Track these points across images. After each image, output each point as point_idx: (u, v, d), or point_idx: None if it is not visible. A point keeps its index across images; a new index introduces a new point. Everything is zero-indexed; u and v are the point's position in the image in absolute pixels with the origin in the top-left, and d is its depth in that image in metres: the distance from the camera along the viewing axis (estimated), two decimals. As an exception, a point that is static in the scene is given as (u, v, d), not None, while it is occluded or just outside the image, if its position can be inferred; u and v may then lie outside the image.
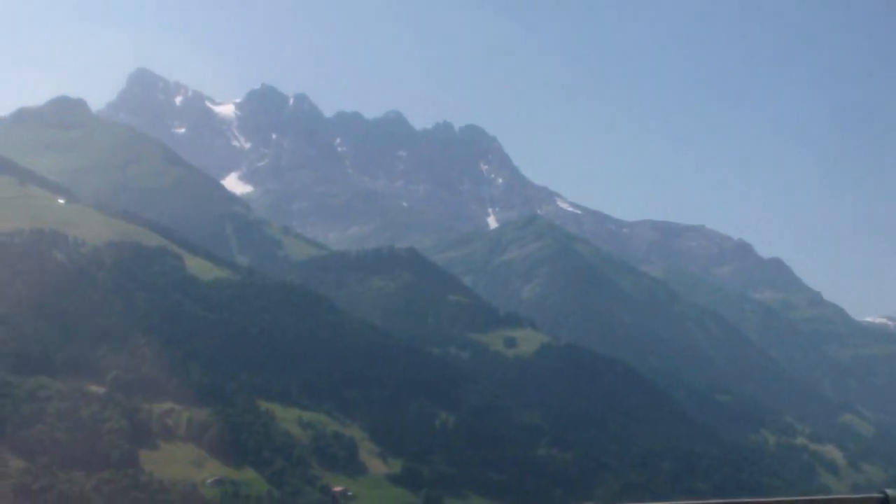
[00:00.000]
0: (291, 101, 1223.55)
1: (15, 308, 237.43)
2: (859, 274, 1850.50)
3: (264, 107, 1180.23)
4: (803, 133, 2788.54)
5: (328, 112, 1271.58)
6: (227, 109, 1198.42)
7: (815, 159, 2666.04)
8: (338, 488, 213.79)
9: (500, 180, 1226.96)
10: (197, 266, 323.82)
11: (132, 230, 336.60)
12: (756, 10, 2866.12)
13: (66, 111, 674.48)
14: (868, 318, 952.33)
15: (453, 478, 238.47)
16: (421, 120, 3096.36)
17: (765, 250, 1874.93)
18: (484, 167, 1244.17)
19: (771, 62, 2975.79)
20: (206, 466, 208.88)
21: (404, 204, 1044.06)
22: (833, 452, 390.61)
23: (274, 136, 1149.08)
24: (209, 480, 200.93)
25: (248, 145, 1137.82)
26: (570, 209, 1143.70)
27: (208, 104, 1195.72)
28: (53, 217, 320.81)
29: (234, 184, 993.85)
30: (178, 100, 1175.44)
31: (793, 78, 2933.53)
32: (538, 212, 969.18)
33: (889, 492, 12.11)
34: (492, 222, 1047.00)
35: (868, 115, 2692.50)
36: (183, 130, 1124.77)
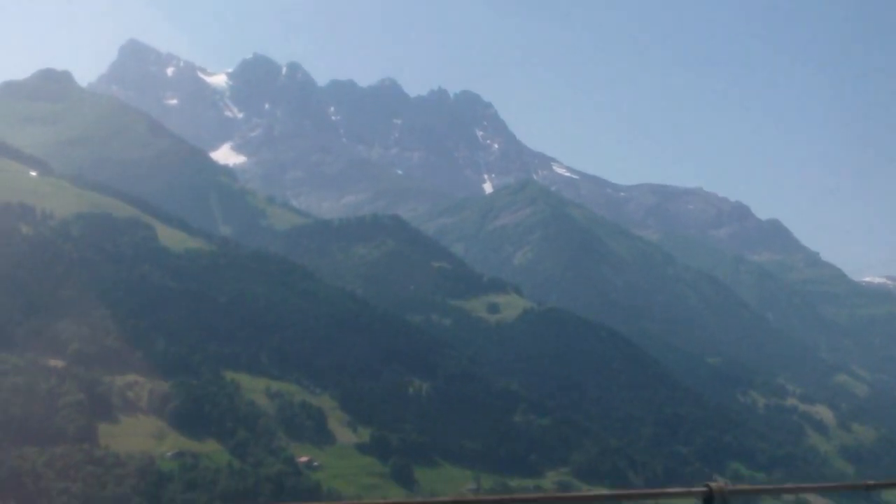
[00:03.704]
0: (284, 70, 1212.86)
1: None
2: (860, 234, 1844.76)
3: (257, 76, 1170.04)
4: (800, 93, 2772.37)
5: (322, 80, 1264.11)
6: (219, 80, 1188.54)
7: (814, 118, 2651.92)
8: (303, 458, 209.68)
9: (496, 146, 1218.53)
10: (170, 237, 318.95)
11: (105, 202, 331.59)
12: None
13: (51, 84, 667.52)
14: (867, 279, 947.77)
15: (425, 446, 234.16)
16: (415, 87, 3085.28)
17: (763, 212, 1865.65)
18: (479, 133, 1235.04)
19: (766, 20, 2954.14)
20: (167, 439, 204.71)
21: (399, 172, 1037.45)
22: (824, 413, 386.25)
23: (267, 105, 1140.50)
24: (169, 453, 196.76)
25: (240, 115, 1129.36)
26: (567, 174, 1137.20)
27: (200, 74, 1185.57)
28: (25, 190, 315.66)
29: (227, 154, 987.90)
30: (170, 71, 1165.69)
31: (790, 37, 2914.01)
32: (534, 177, 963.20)
33: (713, 485, 11.12)
34: (487, 188, 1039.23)
35: (868, 74, 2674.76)
36: (175, 101, 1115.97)
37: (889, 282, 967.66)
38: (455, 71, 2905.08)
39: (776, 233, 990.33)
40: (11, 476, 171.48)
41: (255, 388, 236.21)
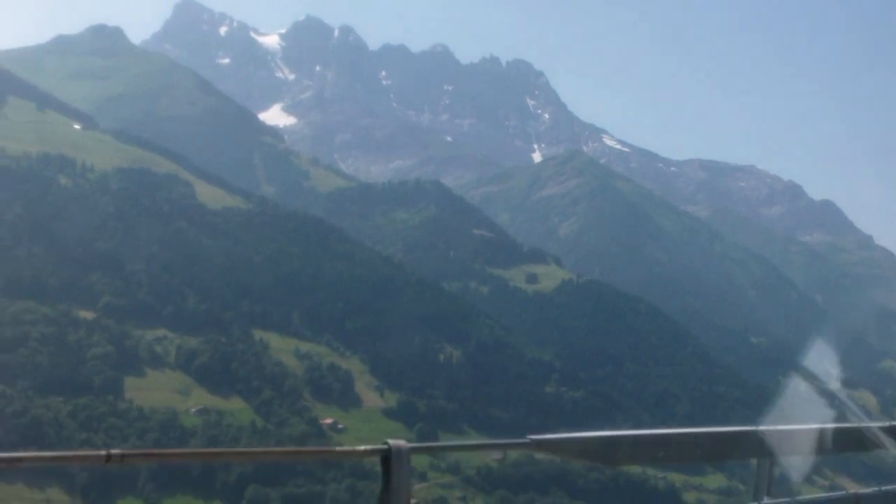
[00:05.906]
0: (336, 32, 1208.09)
1: (11, 231, 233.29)
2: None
3: (309, 38, 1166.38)
4: (858, 75, 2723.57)
5: (373, 45, 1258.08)
6: (271, 40, 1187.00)
7: (872, 99, 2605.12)
8: (327, 420, 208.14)
9: (547, 116, 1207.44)
10: (209, 194, 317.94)
11: (146, 157, 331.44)
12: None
13: (103, 39, 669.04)
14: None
15: (452, 413, 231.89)
16: (467, 54, 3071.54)
17: (817, 192, 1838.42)
18: (530, 103, 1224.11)
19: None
20: (193, 395, 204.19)
21: (448, 138, 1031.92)
22: (867, 398, 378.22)
23: (318, 67, 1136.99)
24: (193, 409, 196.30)
25: (291, 77, 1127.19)
26: (618, 146, 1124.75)
27: (252, 35, 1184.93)
28: (67, 142, 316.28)
29: (277, 115, 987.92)
30: (223, 30, 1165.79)
31: (849, 16, 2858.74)
32: (584, 149, 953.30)
33: (391, 442, 9.58)
34: (536, 158, 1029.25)
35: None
36: (227, 61, 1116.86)
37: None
38: (507, 39, 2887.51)
39: (829, 214, 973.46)
40: (34, 425, 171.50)
41: (284, 349, 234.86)
